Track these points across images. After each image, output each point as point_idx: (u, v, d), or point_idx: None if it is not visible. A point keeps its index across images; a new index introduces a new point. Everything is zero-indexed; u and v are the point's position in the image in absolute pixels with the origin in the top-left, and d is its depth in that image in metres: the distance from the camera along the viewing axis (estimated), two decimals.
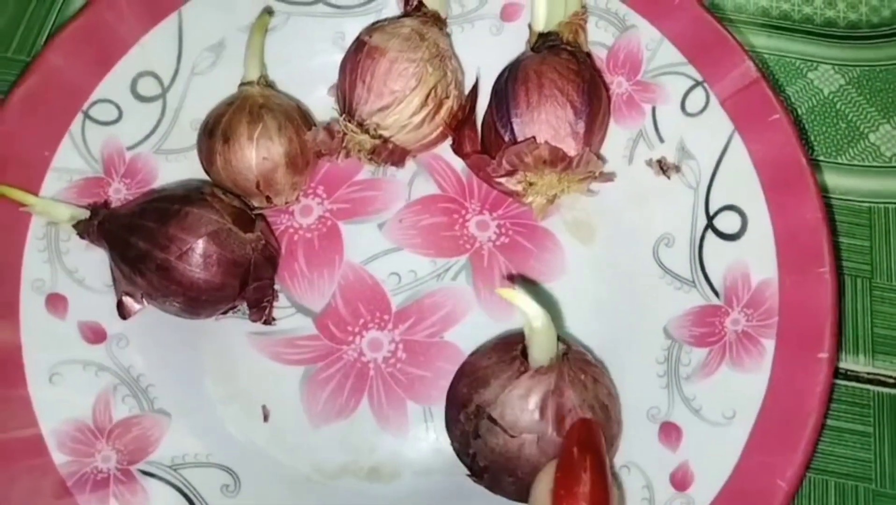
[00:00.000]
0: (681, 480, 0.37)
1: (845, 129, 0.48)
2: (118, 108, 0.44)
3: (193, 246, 0.38)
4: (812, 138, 0.47)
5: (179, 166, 0.45)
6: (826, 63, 0.49)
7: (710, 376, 0.39)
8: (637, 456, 0.38)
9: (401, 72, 0.41)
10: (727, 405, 0.38)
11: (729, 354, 0.39)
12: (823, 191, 0.46)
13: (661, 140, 0.44)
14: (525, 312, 0.34)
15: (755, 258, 0.40)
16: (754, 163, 0.41)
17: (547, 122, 0.39)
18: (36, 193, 0.41)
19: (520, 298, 0.33)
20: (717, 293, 0.41)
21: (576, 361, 0.36)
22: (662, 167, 0.44)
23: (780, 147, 0.40)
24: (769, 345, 0.38)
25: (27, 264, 0.40)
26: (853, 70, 0.49)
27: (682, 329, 0.41)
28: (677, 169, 0.43)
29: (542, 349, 0.34)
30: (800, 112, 0.48)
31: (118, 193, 0.43)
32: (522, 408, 0.34)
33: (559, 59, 0.40)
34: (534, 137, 0.39)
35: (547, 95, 0.39)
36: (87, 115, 0.43)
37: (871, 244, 0.45)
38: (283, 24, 0.46)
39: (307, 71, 0.46)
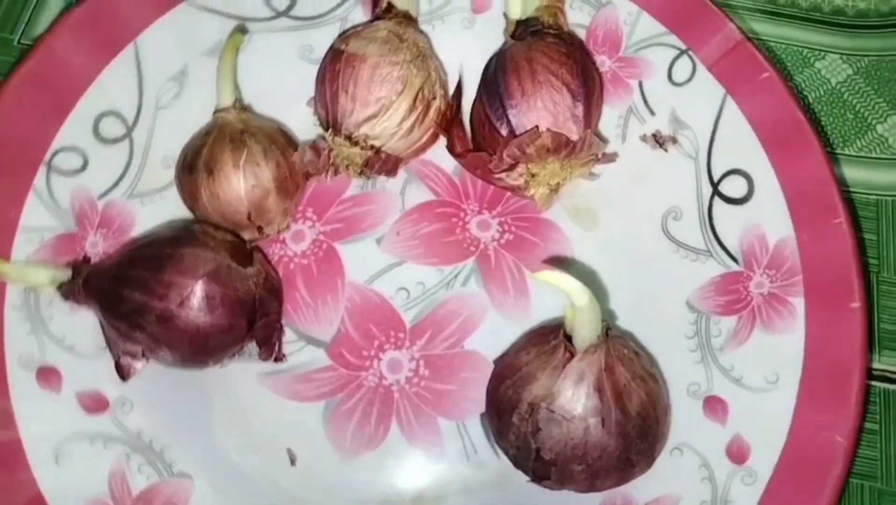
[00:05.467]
0: (737, 453, 0.36)
1: (853, 119, 0.46)
2: (82, 154, 0.41)
3: (194, 289, 0.36)
4: (818, 129, 0.46)
5: (157, 208, 0.42)
6: (834, 52, 0.48)
7: (744, 344, 0.38)
8: (687, 436, 0.37)
9: (385, 77, 0.39)
10: (768, 370, 0.37)
11: (759, 318, 0.39)
12: None
13: (653, 113, 0.43)
14: (567, 291, 0.32)
15: (768, 218, 0.40)
16: (751, 124, 0.41)
17: (545, 108, 0.38)
18: (7, 259, 0.38)
19: (558, 278, 0.32)
20: (735, 259, 0.40)
21: (615, 336, 0.35)
22: (658, 140, 0.43)
23: (774, 105, 0.40)
24: (798, 303, 0.38)
25: (9, 339, 0.37)
26: (861, 60, 0.47)
27: (707, 300, 0.40)
28: (674, 140, 0.43)
29: (588, 327, 0.33)
30: (807, 102, 0.47)
31: (95, 247, 0.40)
32: (579, 393, 0.33)
33: (546, 43, 0.39)
34: (536, 127, 0.37)
35: (541, 82, 0.38)
36: (50, 167, 0.40)
37: (879, 238, 0.43)
38: (246, 42, 0.43)
39: (279, 89, 0.44)
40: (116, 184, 0.41)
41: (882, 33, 0.48)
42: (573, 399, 0.33)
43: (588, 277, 0.42)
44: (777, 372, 0.37)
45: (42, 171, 0.39)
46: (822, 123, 0.46)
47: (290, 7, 0.45)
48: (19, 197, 0.38)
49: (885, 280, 0.43)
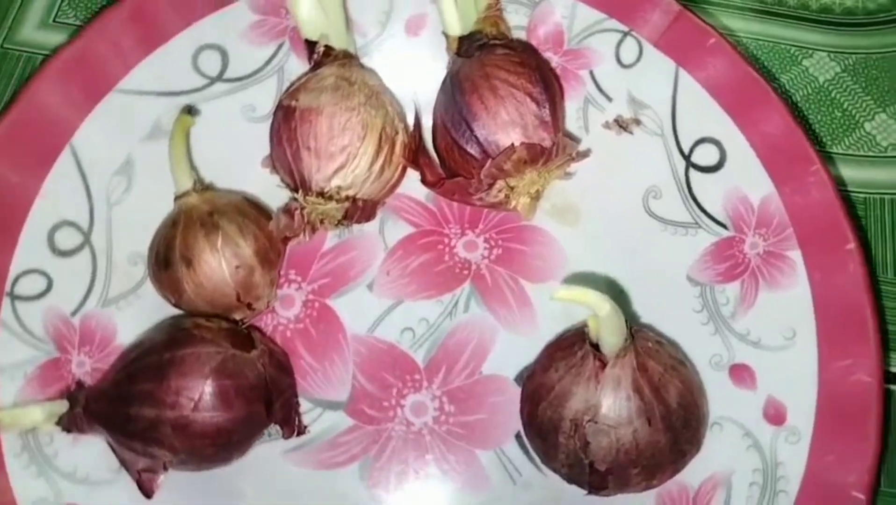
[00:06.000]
0: (775, 416, 0.37)
1: (840, 118, 0.46)
2: (44, 274, 0.38)
3: (204, 389, 0.34)
4: (806, 127, 0.45)
5: (136, 310, 0.40)
6: (821, 50, 0.47)
7: (753, 306, 0.39)
8: (722, 409, 0.38)
9: (344, 125, 0.38)
10: (783, 326, 0.38)
11: (762, 277, 0.39)
12: None
13: (610, 99, 0.43)
14: (588, 303, 0.32)
15: (746, 180, 0.40)
16: (709, 90, 0.41)
17: (512, 121, 0.38)
18: None
19: (576, 293, 0.32)
20: (724, 225, 0.41)
21: (638, 332, 0.36)
22: (621, 125, 0.43)
23: (727, 68, 0.41)
24: (795, 256, 0.39)
25: (19, 490, 0.34)
26: (849, 58, 0.47)
27: (706, 271, 0.41)
28: (637, 122, 0.43)
29: (615, 333, 0.33)
30: (794, 100, 0.46)
31: (83, 367, 0.38)
32: (620, 398, 0.33)
33: (498, 56, 0.39)
34: (512, 145, 0.37)
35: (503, 96, 0.38)
36: (13, 297, 0.37)
37: (869, 236, 0.43)
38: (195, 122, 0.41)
39: (230, 156, 0.42)
40: (87, 295, 0.39)
41: (869, 31, 0.48)
42: (615, 406, 0.33)
43: (585, 274, 0.42)
44: (792, 327, 0.38)
45: (6, 303, 0.37)
46: (810, 122, 0.46)
47: (223, 71, 0.43)
48: None
49: (878, 280, 0.43)
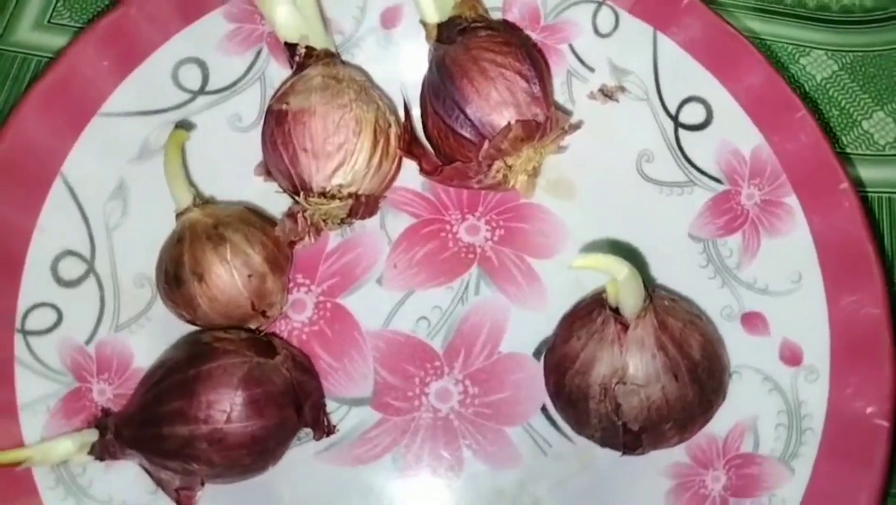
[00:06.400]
0: (791, 357, 0.38)
1: (838, 116, 0.46)
2: (53, 306, 0.38)
3: (234, 400, 0.34)
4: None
5: (149, 331, 0.39)
6: (819, 48, 0.47)
7: (757, 254, 0.40)
8: (739, 358, 0.39)
9: (338, 123, 0.38)
10: (789, 270, 0.39)
11: (761, 226, 0.40)
12: None
13: (592, 70, 0.44)
14: (606, 269, 0.33)
15: (735, 133, 0.41)
16: (688, 50, 0.42)
17: (505, 101, 0.38)
18: (21, 444, 0.34)
19: (594, 260, 0.33)
20: (718, 180, 0.42)
21: (653, 291, 0.36)
22: (606, 94, 0.44)
23: (703, 26, 0.41)
24: (792, 201, 0.40)
25: None
26: (846, 55, 0.47)
27: (706, 226, 0.41)
28: (622, 89, 0.43)
29: (634, 295, 0.34)
30: None
31: (104, 395, 0.38)
32: (646, 358, 0.34)
33: (482, 38, 0.39)
34: (508, 124, 0.37)
35: (493, 77, 0.38)
36: (25, 332, 0.37)
37: None
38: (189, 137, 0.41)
39: (222, 167, 0.42)
40: (98, 322, 0.39)
41: (867, 29, 0.47)
42: (642, 366, 0.34)
43: (588, 245, 0.43)
44: (797, 270, 0.39)
45: (18, 339, 0.36)
46: None
47: (204, 83, 0.42)
48: (7, 376, 0.35)
49: None
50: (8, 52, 0.46)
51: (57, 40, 0.47)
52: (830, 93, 0.46)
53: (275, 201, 0.42)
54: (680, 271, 0.41)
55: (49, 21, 0.47)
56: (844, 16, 0.48)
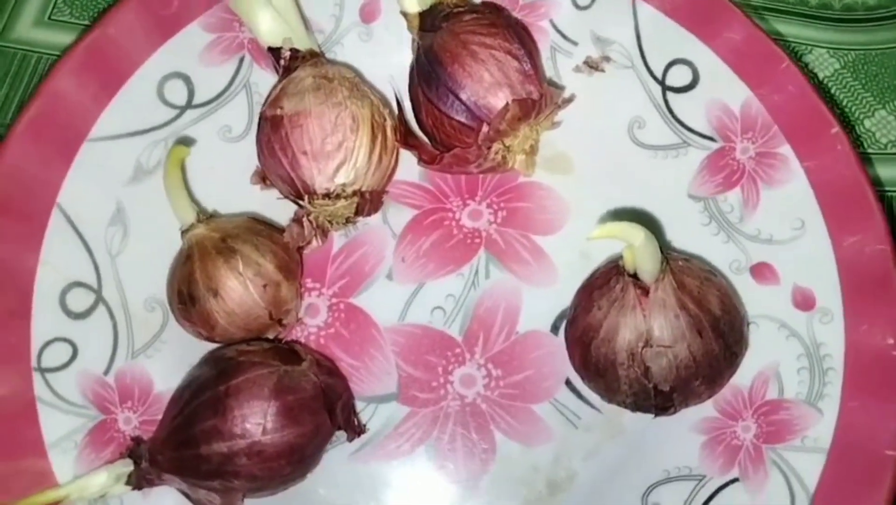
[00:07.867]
0: (803, 302, 0.39)
1: (840, 115, 0.45)
2: (66, 340, 0.37)
3: (268, 410, 0.34)
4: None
5: (165, 355, 0.39)
6: (821, 47, 0.47)
7: (757, 206, 0.41)
8: (753, 309, 0.39)
9: (335, 122, 0.38)
10: (791, 217, 0.40)
11: (759, 178, 0.41)
12: None
13: (575, 43, 0.44)
14: (623, 236, 0.33)
15: (722, 90, 0.42)
16: (667, 14, 0.42)
17: (498, 82, 0.38)
18: (53, 484, 0.34)
19: (610, 229, 0.33)
20: (711, 138, 0.42)
21: (668, 253, 0.37)
22: (591, 65, 0.44)
23: None
24: (786, 150, 0.40)
25: None
26: (848, 54, 0.46)
27: (705, 185, 0.42)
28: (607, 59, 0.44)
29: (652, 259, 0.34)
30: None
31: (130, 423, 0.37)
32: (669, 318, 0.35)
33: (468, 21, 0.39)
34: (505, 104, 0.37)
35: (484, 59, 0.38)
36: (42, 370, 0.36)
37: None
38: (166, 150, 0.40)
39: (219, 180, 0.42)
40: (114, 352, 0.38)
41: (869, 27, 0.47)
42: (666, 327, 0.34)
43: (590, 217, 0.43)
44: (799, 217, 0.40)
45: (36, 378, 0.35)
46: None
47: (190, 98, 0.42)
48: (31, 416, 0.35)
49: None
50: (8, 49, 0.45)
51: (57, 37, 0.46)
52: (832, 91, 0.46)
53: (278, 208, 0.41)
54: (684, 232, 0.42)
55: (49, 18, 0.47)
56: (846, 14, 0.48)
